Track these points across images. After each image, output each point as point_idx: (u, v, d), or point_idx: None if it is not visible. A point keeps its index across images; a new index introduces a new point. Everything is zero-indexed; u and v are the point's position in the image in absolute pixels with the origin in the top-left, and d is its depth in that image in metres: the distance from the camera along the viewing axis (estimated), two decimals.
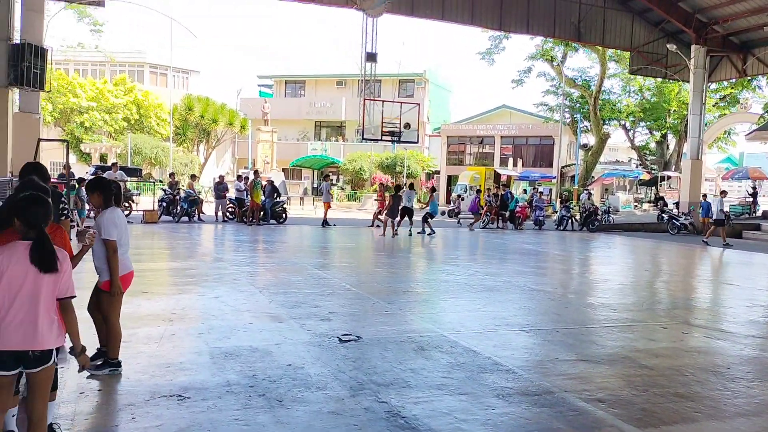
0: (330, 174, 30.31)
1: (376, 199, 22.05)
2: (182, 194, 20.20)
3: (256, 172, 20.74)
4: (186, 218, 19.77)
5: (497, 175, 36.48)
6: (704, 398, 4.51)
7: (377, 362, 5.04)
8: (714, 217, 18.94)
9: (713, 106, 38.79)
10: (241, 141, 48.31)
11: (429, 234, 18.38)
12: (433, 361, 5.14)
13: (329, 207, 21.25)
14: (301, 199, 36.49)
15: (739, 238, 23.50)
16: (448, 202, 36.90)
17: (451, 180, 43.37)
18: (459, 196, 32.16)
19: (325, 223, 20.12)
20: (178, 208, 19.80)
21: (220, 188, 20.68)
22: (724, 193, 20.24)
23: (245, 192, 20.12)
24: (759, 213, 30.10)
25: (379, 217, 19.33)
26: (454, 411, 4.03)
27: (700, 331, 6.82)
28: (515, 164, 43.98)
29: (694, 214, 24.87)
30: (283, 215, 20.99)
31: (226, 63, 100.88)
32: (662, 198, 31.15)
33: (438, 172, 46.72)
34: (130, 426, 3.66)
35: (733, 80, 31.06)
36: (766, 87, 36.16)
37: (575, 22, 24.40)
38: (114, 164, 19.75)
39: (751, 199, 33.17)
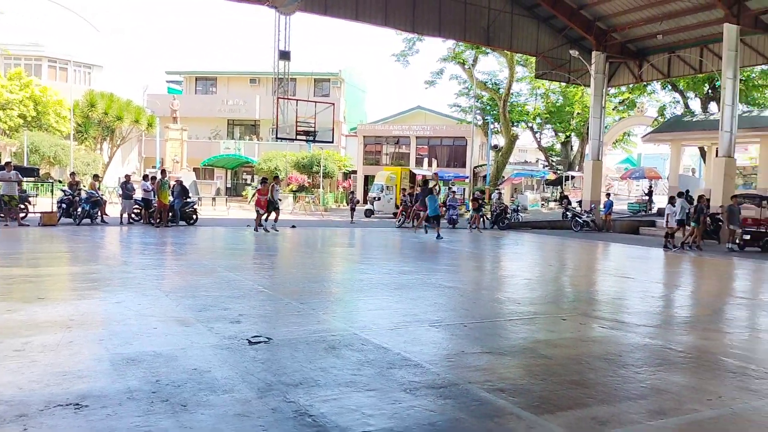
0: (271, 176, 29.59)
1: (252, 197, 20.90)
2: (84, 195, 19.25)
3: (163, 172, 20.09)
4: (88, 220, 18.84)
5: (413, 175, 37.05)
6: (597, 384, 4.79)
7: (287, 363, 5.02)
8: (677, 217, 18.05)
9: (613, 109, 41.11)
10: (148, 139, 46.56)
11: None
12: (343, 360, 5.17)
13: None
14: (213, 199, 35.63)
15: (636, 234, 25.01)
16: (365, 202, 37.12)
17: (368, 180, 43.67)
18: (375, 196, 32.46)
19: (274, 227, 19.74)
20: (79, 209, 18.84)
21: (126, 188, 19.86)
22: (681, 194, 18.91)
23: (152, 192, 19.43)
24: (654, 210, 32.12)
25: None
26: (363, 407, 4.08)
27: (597, 322, 7.22)
28: (430, 164, 44.83)
29: (596, 211, 26.26)
30: (194, 216, 20.43)
31: (132, 57, 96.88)
32: (566, 197, 32.68)
33: (355, 172, 46.93)
34: None
35: (631, 85, 33.04)
36: (660, 92, 38.67)
37: (485, 26, 25.18)
38: (7, 163, 18.52)
39: (647, 198, 35.39)
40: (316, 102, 24.28)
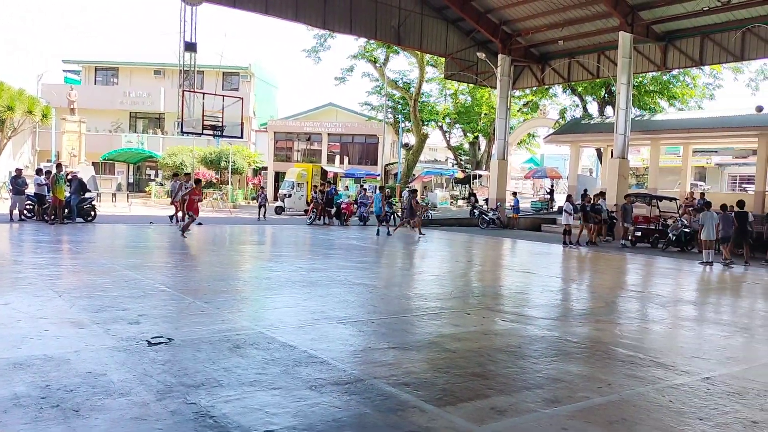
0: (179, 173, 28.39)
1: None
2: None
3: (59, 166, 18.94)
4: None
5: (324, 172, 36.90)
6: (497, 375, 4.97)
7: (188, 363, 4.88)
8: (721, 234, 15.48)
9: (518, 111, 42.68)
10: (43, 131, 43.74)
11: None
12: (247, 359, 5.08)
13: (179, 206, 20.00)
14: (114, 195, 33.98)
15: (538, 231, 26.10)
16: (275, 198, 36.59)
17: (279, 176, 43.08)
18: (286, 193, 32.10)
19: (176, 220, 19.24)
20: None
21: (17, 183, 18.55)
22: (724, 206, 16.31)
23: (46, 187, 18.29)
24: (555, 209, 33.64)
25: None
26: (266, 406, 4.02)
27: (500, 316, 7.49)
28: (342, 161, 44.80)
29: (501, 209, 27.18)
30: (92, 213, 19.41)
31: (24, 44, 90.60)
32: (474, 194, 33.66)
33: (265, 168, 46.16)
34: None
35: (534, 88, 34.42)
36: (561, 95, 40.51)
37: (395, 26, 25.43)
38: None
39: (548, 196, 37.01)
40: (224, 96, 23.67)
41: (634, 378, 5.04)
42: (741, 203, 16.01)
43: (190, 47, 20.92)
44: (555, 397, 4.47)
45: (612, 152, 24.34)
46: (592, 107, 37.25)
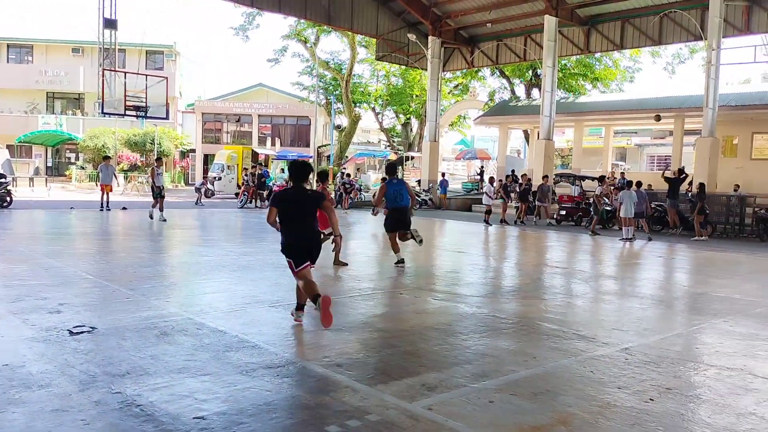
0: (109, 156, 27.07)
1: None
2: None
3: None
4: None
5: (255, 154, 36.26)
6: (428, 353, 5.07)
7: (113, 352, 4.72)
8: (635, 210, 15.89)
9: (448, 93, 43.10)
10: None
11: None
12: (176, 346, 4.97)
13: (111, 190, 19.12)
14: (31, 179, 32.31)
15: (469, 211, 26.61)
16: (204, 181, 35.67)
17: (208, 159, 42.04)
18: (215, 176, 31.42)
19: (105, 206, 18.47)
20: None
21: None
22: (639, 183, 16.99)
23: None
24: (484, 189, 34.29)
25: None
26: (195, 392, 3.96)
27: (431, 295, 7.61)
28: (273, 143, 44.13)
29: (434, 190, 27.54)
30: (7, 198, 18.40)
31: None
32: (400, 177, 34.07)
33: (193, 151, 44.91)
34: None
35: (464, 70, 34.86)
36: (490, 78, 41.21)
37: (326, 5, 25.14)
38: None
39: (479, 177, 37.74)
40: (147, 75, 22.83)
41: (558, 351, 5.24)
42: (639, 183, 16.95)
43: (110, 24, 20.03)
44: (483, 371, 4.60)
45: (538, 134, 25.03)
46: (520, 90, 38.12)
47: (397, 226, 9.73)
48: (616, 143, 39.89)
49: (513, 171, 25.98)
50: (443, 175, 28.53)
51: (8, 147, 36.79)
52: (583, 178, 22.43)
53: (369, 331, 5.72)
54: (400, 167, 37.51)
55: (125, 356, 4.63)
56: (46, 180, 32.53)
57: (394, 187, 9.77)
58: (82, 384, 4.02)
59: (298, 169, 5.94)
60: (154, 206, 16.03)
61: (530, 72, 35.23)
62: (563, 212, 20.68)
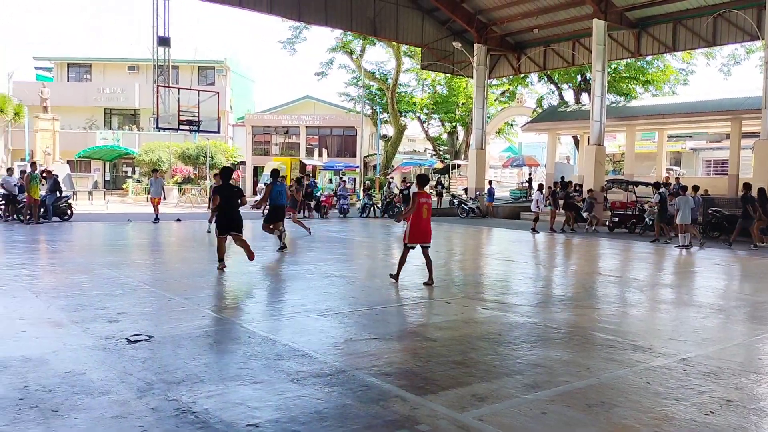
0: (157, 169, 28.08)
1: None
2: None
3: (33, 164, 18.65)
4: None
5: (303, 165, 36.77)
6: (478, 363, 5.01)
7: (169, 360, 4.85)
8: (689, 216, 15.30)
9: (495, 100, 42.81)
10: (15, 130, 42.94)
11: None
12: (229, 354, 5.07)
13: (158, 202, 19.88)
14: (91, 193, 33.53)
15: (517, 219, 26.28)
16: (254, 193, 36.39)
17: (257, 170, 42.84)
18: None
19: (157, 218, 19.13)
20: None
21: None
22: (695, 188, 16.46)
23: (17, 187, 18.00)
24: (533, 197, 33.82)
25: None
26: (248, 400, 4.02)
27: (480, 304, 7.54)
28: (320, 154, 44.65)
29: (481, 198, 27.33)
30: (68, 212, 19.14)
31: None
32: (441, 184, 33.94)
33: (243, 163, 45.85)
34: None
35: (510, 77, 34.57)
36: (537, 83, 40.74)
37: (371, 16, 25.35)
38: None
39: (527, 185, 37.26)
40: (199, 90, 23.48)
41: (613, 361, 5.12)
42: (695, 188, 16.39)
43: (164, 42, 20.71)
44: (535, 382, 4.53)
45: (588, 139, 24.56)
46: (568, 95, 37.55)
47: (272, 220, 12.22)
48: (670, 148, 38.74)
49: (563, 178, 25.53)
50: (490, 182, 28.27)
51: (69, 162, 38.35)
52: (636, 183, 21.86)
53: (417, 340, 5.70)
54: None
55: (180, 364, 4.74)
56: (105, 193, 33.70)
57: (277, 188, 12.42)
58: (140, 391, 4.14)
59: (226, 170, 10.07)
60: (210, 220, 16.37)
61: (579, 77, 34.66)
62: (616, 219, 20.21)
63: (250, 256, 9.91)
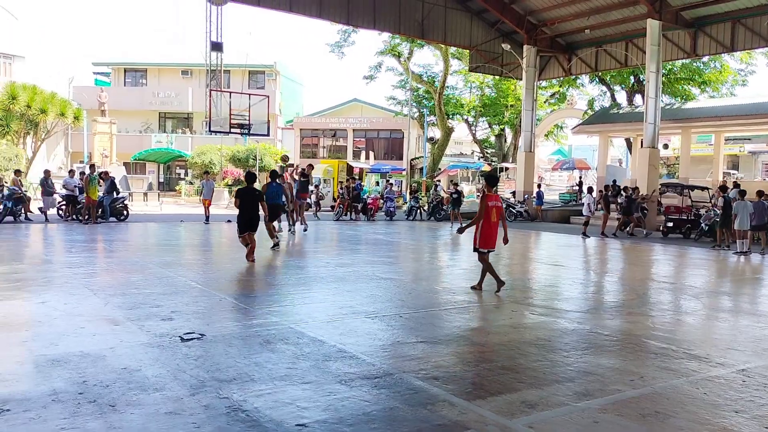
0: (208, 171, 28.81)
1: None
2: (5, 191, 18.31)
3: (92, 167, 19.34)
4: (11, 218, 17.97)
5: (350, 168, 37.01)
6: (527, 369, 4.94)
7: (220, 359, 4.95)
8: (754, 222, 15.03)
9: (544, 102, 42.18)
10: (75, 133, 44.63)
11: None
12: (278, 354, 5.14)
13: (209, 204, 20.31)
14: (145, 194, 34.56)
15: (567, 223, 25.83)
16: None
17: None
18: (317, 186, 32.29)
19: (206, 219, 19.56)
20: (1, 207, 17.93)
21: (46, 184, 19.01)
22: (760, 193, 15.76)
23: (77, 188, 18.69)
24: (584, 200, 33.16)
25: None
26: (297, 400, 4.07)
27: (529, 309, 7.44)
28: (367, 157, 44.88)
29: (529, 202, 26.97)
30: (124, 212, 19.78)
31: (56, 48, 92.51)
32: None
33: (292, 165, 46.45)
34: None
35: (561, 78, 34.00)
36: (589, 85, 39.95)
37: (419, 19, 25.35)
38: None
39: (577, 188, 36.58)
40: (250, 94, 23.92)
41: (668, 370, 4.97)
42: (760, 193, 15.69)
43: (216, 47, 21.17)
44: (586, 390, 4.44)
45: (642, 142, 23.94)
46: (621, 96, 36.68)
47: (270, 219, 12.70)
48: (728, 151, 37.45)
49: (614, 181, 24.96)
50: (539, 185, 27.87)
51: (125, 164, 39.65)
52: (692, 187, 21.19)
53: (465, 345, 5.67)
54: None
55: (231, 363, 4.84)
56: (159, 195, 34.68)
57: (273, 188, 13.34)
58: (193, 388, 4.24)
59: (250, 175, 11.39)
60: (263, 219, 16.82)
61: (632, 78, 33.84)
62: (670, 224, 19.63)
63: (250, 255, 10.72)
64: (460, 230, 8.73)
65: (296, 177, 17.52)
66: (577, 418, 3.89)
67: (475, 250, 8.26)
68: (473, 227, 8.29)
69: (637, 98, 34.06)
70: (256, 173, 16.91)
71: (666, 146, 36.20)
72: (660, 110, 22.75)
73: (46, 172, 19.70)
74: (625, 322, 6.89)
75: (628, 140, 35.43)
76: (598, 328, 6.46)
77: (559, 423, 3.80)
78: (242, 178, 41.37)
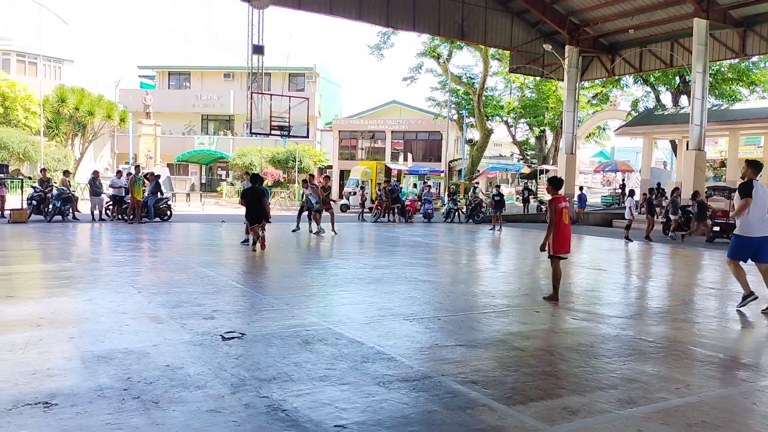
0: (248, 172, 29.11)
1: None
2: (55, 191, 18.92)
3: (137, 168, 19.83)
4: (59, 217, 18.55)
5: (388, 170, 37.07)
6: (568, 375, 4.86)
7: (260, 358, 5.00)
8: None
9: (586, 103, 41.51)
10: (121, 135, 45.89)
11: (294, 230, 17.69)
12: (317, 354, 5.17)
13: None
14: (188, 195, 35.26)
15: (609, 227, 25.34)
16: (340, 196, 37.04)
17: (344, 174, 43.58)
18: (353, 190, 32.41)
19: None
20: (50, 206, 18.53)
21: (95, 185, 19.57)
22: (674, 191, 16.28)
23: (123, 189, 19.18)
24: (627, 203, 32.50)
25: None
26: (336, 401, 4.08)
27: (570, 314, 7.31)
28: (405, 159, 44.86)
29: (569, 205, 26.52)
30: (168, 212, 20.21)
31: (103, 52, 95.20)
32: (528, 188, 33.06)
33: (330, 167, 46.78)
34: None
35: (604, 79, 33.42)
36: (632, 85, 39.15)
37: (459, 20, 25.23)
38: None
39: (620, 191, 35.87)
40: (290, 96, 24.13)
41: (715, 379, 4.83)
42: None
43: (258, 50, 21.45)
44: (630, 397, 4.33)
45: (687, 144, 23.34)
46: (666, 97, 35.89)
47: (251, 222, 12.96)
48: None
49: (659, 184, 24.41)
50: (581, 188, 27.40)
51: (169, 165, 40.51)
52: None
53: (504, 349, 5.60)
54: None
55: (271, 362, 4.88)
56: (201, 195, 35.35)
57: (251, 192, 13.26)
58: (233, 387, 4.29)
59: (255, 177, 13.31)
60: (297, 222, 17.69)
61: (677, 78, 33.03)
62: (716, 228, 19.07)
63: (262, 245, 12.72)
64: (542, 247, 8.00)
65: (318, 188, 17.30)
66: (621, 426, 3.80)
67: (550, 256, 7.89)
68: (550, 235, 7.83)
69: (683, 99, 33.24)
70: (295, 175, 17.18)
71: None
72: (707, 111, 22.15)
73: (95, 173, 20.28)
74: (669, 328, 6.71)
75: (673, 142, 34.60)
76: (642, 335, 6.31)
77: (602, 431, 3.72)
78: (281, 179, 41.98)
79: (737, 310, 7.70)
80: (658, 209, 19.47)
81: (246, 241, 13.69)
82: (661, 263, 14.11)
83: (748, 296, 7.71)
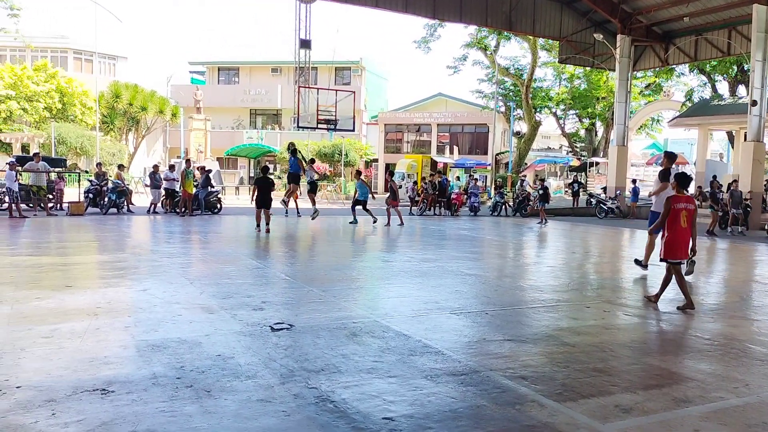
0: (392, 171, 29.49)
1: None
2: (110, 185, 19.54)
3: (188, 161, 20.29)
4: (114, 210, 19.16)
5: (434, 163, 36.90)
6: (620, 372, 4.75)
7: (309, 349, 5.06)
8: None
9: (639, 94, 40.44)
10: (172, 129, 47.06)
11: (352, 222, 18.02)
12: (364, 346, 5.19)
13: (296, 197, 20.26)
14: (237, 188, 35.91)
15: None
16: (386, 190, 37.10)
17: (389, 168, 43.61)
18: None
19: (296, 213, 19.54)
20: (106, 199, 19.15)
21: (155, 178, 20.14)
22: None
23: (175, 182, 19.66)
24: None
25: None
26: (384, 393, 4.09)
27: (621, 310, 7.15)
28: (451, 152, 44.59)
29: (621, 198, 25.93)
30: (218, 205, 20.63)
31: (155, 48, 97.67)
32: (577, 180, 32.30)
33: (376, 160, 46.88)
34: (50, 422, 3.55)
35: (657, 69, 32.45)
36: (687, 75, 37.93)
37: (506, 11, 24.87)
38: (36, 154, 18.89)
39: None
40: (336, 90, 24.26)
41: None
42: None
43: (305, 44, 21.62)
44: (685, 396, 4.21)
45: (745, 135, 22.47)
46: (722, 87, 34.62)
47: (258, 205, 14.70)
48: None
49: (714, 177, 23.60)
50: (634, 181, 26.70)
51: (218, 159, 41.32)
52: None
53: (554, 345, 5.51)
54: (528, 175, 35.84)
55: (319, 353, 4.93)
56: (249, 189, 35.90)
57: (260, 181, 14.81)
58: (283, 377, 4.35)
59: (264, 168, 15.00)
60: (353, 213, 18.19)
61: (735, 67, 31.81)
62: None
63: (267, 227, 14.52)
64: (650, 232, 7.47)
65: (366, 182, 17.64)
66: (677, 425, 3.69)
67: (661, 260, 7.39)
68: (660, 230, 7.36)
69: (741, 89, 31.99)
70: (341, 168, 17.49)
71: None
72: (767, 101, 21.27)
73: (155, 167, 20.87)
74: (726, 325, 6.49)
75: (729, 133, 33.39)
76: (698, 332, 6.12)
77: (656, 430, 3.62)
78: (328, 173, 42.31)
79: None
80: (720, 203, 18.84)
81: (258, 226, 14.84)
82: (719, 258, 13.66)
83: None
